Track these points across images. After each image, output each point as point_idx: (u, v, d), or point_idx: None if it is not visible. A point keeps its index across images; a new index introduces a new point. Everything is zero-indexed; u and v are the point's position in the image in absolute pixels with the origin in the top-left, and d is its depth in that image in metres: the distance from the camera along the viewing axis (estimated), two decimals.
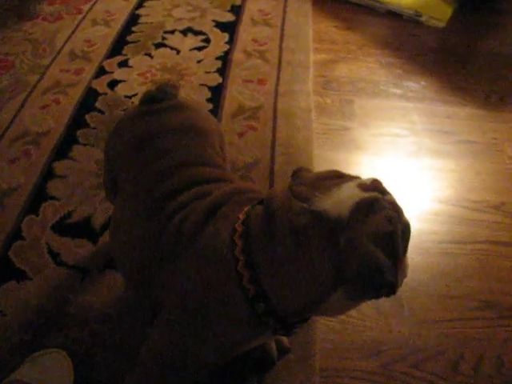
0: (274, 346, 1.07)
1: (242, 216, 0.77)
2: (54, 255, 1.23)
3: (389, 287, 0.69)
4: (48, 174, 1.43)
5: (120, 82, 1.79)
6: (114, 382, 1.02)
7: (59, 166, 1.45)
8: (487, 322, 1.21)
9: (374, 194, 0.72)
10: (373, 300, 1.16)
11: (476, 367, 1.13)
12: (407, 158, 1.62)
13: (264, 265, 0.72)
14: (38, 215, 1.32)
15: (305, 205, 0.70)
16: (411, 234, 0.76)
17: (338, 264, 0.68)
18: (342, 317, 1.18)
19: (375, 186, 0.74)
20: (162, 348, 0.83)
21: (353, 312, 1.19)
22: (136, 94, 1.72)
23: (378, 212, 0.70)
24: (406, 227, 0.74)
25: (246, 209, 0.78)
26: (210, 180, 0.88)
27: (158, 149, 0.92)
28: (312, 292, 0.70)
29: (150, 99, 1.01)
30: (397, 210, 0.74)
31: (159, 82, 1.66)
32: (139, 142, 0.94)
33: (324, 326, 1.16)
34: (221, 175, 0.91)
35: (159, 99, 1.00)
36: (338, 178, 0.75)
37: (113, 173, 1.01)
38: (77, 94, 1.72)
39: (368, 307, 1.21)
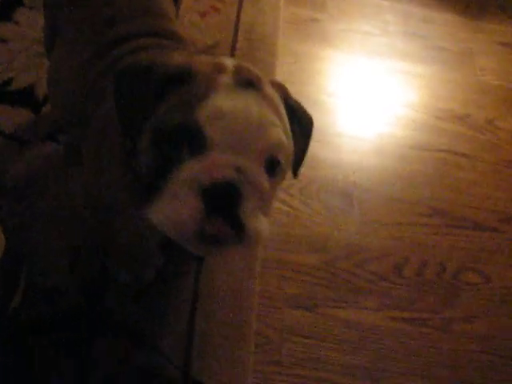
0: None
1: None
2: None
3: None
4: None
5: None
6: (47, 253, 0.99)
7: (0, 29, 1.33)
8: (435, 229, 1.21)
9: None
10: (323, 196, 1.18)
11: (418, 271, 1.13)
12: (375, 57, 1.55)
13: None
14: None
15: None
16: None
17: None
18: (289, 210, 1.15)
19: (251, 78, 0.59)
20: (84, 189, 0.84)
21: (300, 205, 1.17)
22: None
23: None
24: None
25: None
26: (162, 33, 0.82)
27: None
28: None
29: None
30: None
31: None
32: None
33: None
34: (174, 31, 0.85)
35: None
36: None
37: (53, 19, 0.93)
38: None
39: (317, 202, 1.18)
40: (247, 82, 0.58)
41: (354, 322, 1.04)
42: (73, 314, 0.94)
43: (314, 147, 1.27)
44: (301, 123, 0.66)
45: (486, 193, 1.30)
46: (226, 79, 0.57)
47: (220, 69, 0.59)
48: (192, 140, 0.55)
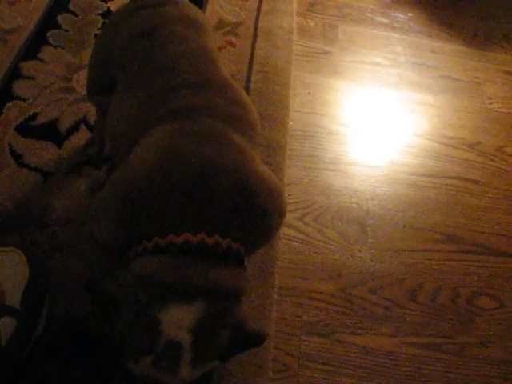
0: None
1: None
2: (17, 156, 1.19)
3: None
4: (14, 74, 1.36)
5: None
6: (70, 284, 1.01)
7: (27, 66, 1.38)
8: (448, 255, 1.22)
9: None
10: (338, 224, 1.20)
11: (433, 297, 1.14)
12: (386, 88, 1.58)
13: None
14: (1, 115, 1.26)
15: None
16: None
17: None
18: (304, 238, 1.18)
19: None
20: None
21: (315, 233, 1.19)
22: None
23: None
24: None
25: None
26: (220, 81, 0.85)
27: (164, 39, 0.88)
28: None
29: None
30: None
31: None
32: (141, 33, 0.90)
33: (286, 246, 1.16)
34: (230, 80, 0.88)
35: None
36: None
37: (109, 69, 0.96)
38: None
39: (331, 230, 1.21)
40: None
41: (370, 348, 1.05)
42: (95, 341, 0.95)
43: (329, 176, 1.32)
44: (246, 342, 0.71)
45: (498, 218, 1.31)
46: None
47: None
48: None
